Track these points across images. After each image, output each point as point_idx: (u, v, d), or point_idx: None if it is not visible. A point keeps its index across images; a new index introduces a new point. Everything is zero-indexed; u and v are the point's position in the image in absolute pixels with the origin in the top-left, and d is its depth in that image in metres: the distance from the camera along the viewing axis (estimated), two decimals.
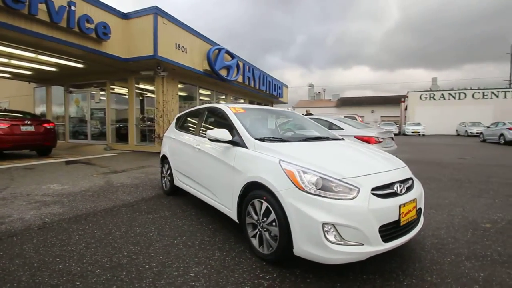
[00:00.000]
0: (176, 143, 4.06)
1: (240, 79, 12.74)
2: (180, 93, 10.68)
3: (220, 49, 10.66)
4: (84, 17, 6.70)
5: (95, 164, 7.17)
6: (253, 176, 2.29)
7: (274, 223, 2.13)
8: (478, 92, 25.53)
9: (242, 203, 2.48)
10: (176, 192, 4.27)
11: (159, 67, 8.57)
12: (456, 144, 15.04)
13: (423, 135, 23.59)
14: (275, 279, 1.99)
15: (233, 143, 2.68)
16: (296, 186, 1.96)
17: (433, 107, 27.06)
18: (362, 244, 1.85)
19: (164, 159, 4.49)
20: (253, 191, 2.33)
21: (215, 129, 2.80)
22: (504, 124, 14.29)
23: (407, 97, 29.26)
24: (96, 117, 11.13)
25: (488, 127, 16.52)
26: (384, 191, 2.03)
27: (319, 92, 49.95)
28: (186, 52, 9.13)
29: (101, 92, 10.65)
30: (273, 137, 2.70)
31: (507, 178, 5.59)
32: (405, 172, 2.38)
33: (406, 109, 29.70)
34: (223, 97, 14.07)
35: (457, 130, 24.75)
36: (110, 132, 10.60)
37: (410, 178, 2.35)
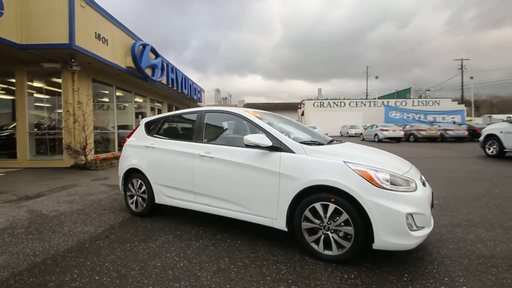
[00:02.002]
0: (159, 152, 3.42)
1: (164, 80, 11.67)
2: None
3: (145, 46, 9.46)
4: None
5: None
6: (316, 180, 2.27)
7: (343, 223, 2.18)
8: (353, 102, 32.68)
9: (293, 210, 2.40)
10: (153, 212, 3.57)
11: (72, 60, 6.81)
12: None
13: None
14: (360, 276, 2.05)
15: (274, 148, 2.54)
16: (373, 184, 2.09)
17: (323, 113, 32.65)
18: (424, 227, 2.16)
19: (133, 174, 3.69)
20: (312, 195, 2.31)
21: (253, 134, 2.59)
22: (377, 126, 18.88)
23: (303, 104, 34.10)
24: None
25: (365, 129, 21.32)
26: (422, 182, 2.44)
27: (225, 97, 51.23)
28: (107, 44, 7.63)
29: None
30: (311, 141, 2.73)
31: None
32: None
33: (302, 114, 34.52)
34: (141, 100, 12.47)
35: (340, 132, 30.69)
36: None
37: None
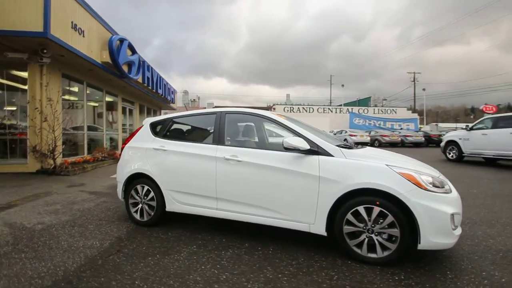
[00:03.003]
0: (173, 155, 3.17)
1: (140, 78, 10.95)
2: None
3: (122, 40, 8.79)
4: None
5: None
6: (360, 183, 2.28)
7: (387, 226, 2.22)
8: (321, 108, 34.15)
9: (333, 214, 2.38)
10: (161, 222, 3.28)
11: (44, 50, 6.03)
12: None
13: None
14: (410, 276, 2.10)
15: (312, 152, 2.50)
16: (419, 187, 2.17)
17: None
18: (458, 226, 2.29)
19: (137, 179, 3.36)
20: (355, 199, 2.32)
21: (292, 137, 2.53)
22: (346, 132, 19.95)
23: (274, 109, 34.69)
24: None
25: (335, 134, 22.37)
26: None
27: (194, 99, 49.90)
28: (83, 36, 6.92)
29: None
30: (344, 145, 2.75)
31: None
32: None
33: None
34: (111, 99, 11.52)
35: None
36: None
37: None
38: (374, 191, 2.25)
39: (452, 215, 2.16)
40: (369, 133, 20.87)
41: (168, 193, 3.15)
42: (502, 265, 2.28)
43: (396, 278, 2.08)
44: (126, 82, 10.20)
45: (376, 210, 2.24)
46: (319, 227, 2.44)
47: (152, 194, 3.24)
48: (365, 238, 2.30)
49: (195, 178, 3.01)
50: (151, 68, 12.34)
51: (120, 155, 3.68)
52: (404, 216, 2.18)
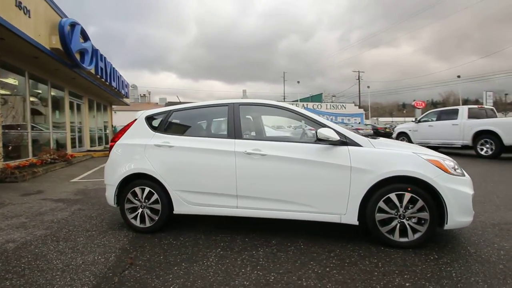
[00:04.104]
0: (182, 152, 2.86)
1: (92, 69, 9.70)
2: None
3: (74, 25, 7.62)
4: None
5: None
6: (393, 171, 2.35)
7: (417, 210, 2.35)
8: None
9: (365, 203, 2.43)
10: (165, 227, 2.94)
11: None
12: None
13: None
14: (442, 256, 2.25)
15: (342, 142, 2.50)
16: (445, 172, 2.34)
17: None
18: None
19: (134, 181, 2.95)
20: (387, 186, 2.39)
21: (324, 128, 2.49)
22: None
23: None
24: None
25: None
26: None
27: (144, 94, 46.50)
28: (29, 17, 5.79)
29: None
30: (368, 135, 2.80)
31: None
32: None
33: None
34: (55, 93, 9.98)
35: None
36: None
37: None
38: (407, 178, 2.35)
39: (471, 195, 2.38)
40: None
41: (176, 194, 2.84)
42: (504, 236, 2.61)
43: (432, 258, 2.22)
44: (76, 73, 8.95)
45: (407, 196, 2.35)
46: (351, 217, 2.46)
47: (155, 196, 2.87)
48: (397, 224, 2.39)
49: (210, 176, 2.76)
50: (104, 58, 11.03)
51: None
52: (433, 199, 2.32)
